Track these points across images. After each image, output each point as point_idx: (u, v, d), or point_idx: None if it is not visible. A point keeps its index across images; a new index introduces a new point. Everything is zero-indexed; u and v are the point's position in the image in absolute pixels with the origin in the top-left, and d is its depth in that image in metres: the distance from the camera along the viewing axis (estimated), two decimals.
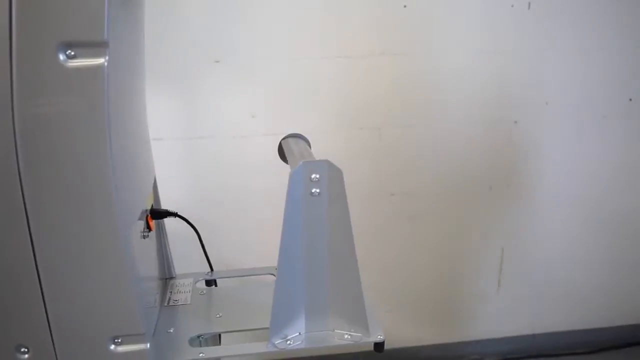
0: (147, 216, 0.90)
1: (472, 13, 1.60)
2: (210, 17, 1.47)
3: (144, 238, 0.87)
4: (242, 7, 1.48)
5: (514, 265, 1.88)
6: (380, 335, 0.89)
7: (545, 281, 1.92)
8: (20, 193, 0.69)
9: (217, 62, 1.51)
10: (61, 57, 0.65)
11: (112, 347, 0.78)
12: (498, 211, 1.82)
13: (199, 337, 0.90)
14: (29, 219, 0.70)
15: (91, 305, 0.76)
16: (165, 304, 0.98)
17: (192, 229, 1.02)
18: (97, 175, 0.69)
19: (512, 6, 1.59)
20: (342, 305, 0.88)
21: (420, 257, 1.82)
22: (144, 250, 0.88)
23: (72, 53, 0.65)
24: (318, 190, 0.80)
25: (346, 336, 0.89)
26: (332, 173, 0.79)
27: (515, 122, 1.72)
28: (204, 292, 1.03)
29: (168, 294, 1.01)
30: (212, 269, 1.08)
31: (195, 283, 1.05)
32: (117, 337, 0.79)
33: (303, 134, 1.00)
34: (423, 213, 1.76)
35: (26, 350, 0.77)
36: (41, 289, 0.74)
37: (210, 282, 1.07)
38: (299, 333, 0.89)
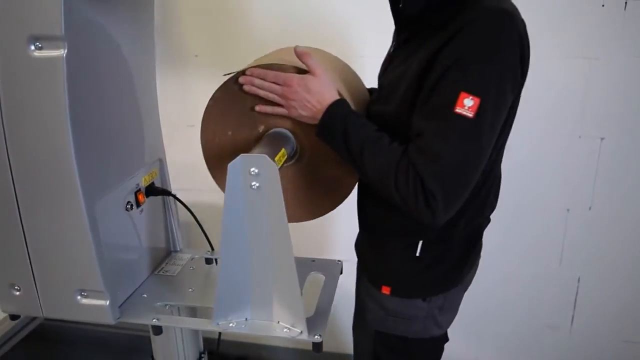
0: (136, 192, 1.01)
1: (553, 14, 1.44)
2: None
3: (128, 210, 0.99)
4: None
5: (590, 297, 1.66)
6: (318, 336, 0.89)
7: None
8: (8, 164, 0.85)
9: None
10: (31, 47, 0.78)
11: (79, 298, 0.92)
12: (575, 236, 1.62)
13: (166, 305, 0.99)
14: (15, 189, 0.87)
15: (61, 260, 0.91)
16: (156, 273, 1.10)
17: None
18: (60, 149, 0.83)
19: (603, 6, 1.40)
20: (283, 299, 0.90)
21: (486, 279, 1.70)
22: (127, 222, 1.00)
23: (40, 45, 0.78)
24: (257, 184, 0.83)
25: (285, 330, 0.91)
26: (268, 168, 0.82)
27: (602, 138, 1.51)
28: (194, 267, 1.12)
29: (163, 265, 1.13)
30: (212, 249, 1.17)
31: (192, 259, 1.15)
32: (84, 291, 0.92)
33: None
34: (492, 233, 1.64)
35: (18, 288, 0.94)
36: (26, 242, 0.90)
37: (210, 261, 1.16)
38: (246, 319, 0.93)
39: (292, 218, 1.06)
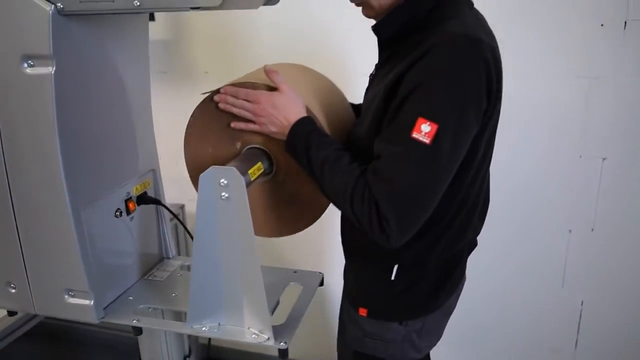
0: (126, 200, 1.08)
1: (553, 33, 1.44)
2: None
3: (117, 217, 1.06)
4: None
5: (594, 320, 1.62)
6: (284, 343, 0.93)
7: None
8: (5, 172, 0.93)
9: None
10: (24, 65, 0.86)
11: (66, 297, 0.99)
12: (578, 258, 1.59)
13: (149, 308, 1.05)
14: (11, 195, 0.95)
15: (51, 261, 0.98)
16: (145, 277, 1.16)
17: None
18: (49, 158, 0.90)
19: (602, 25, 1.39)
20: (252, 306, 0.94)
21: (486, 301, 1.69)
22: (116, 228, 1.06)
23: (32, 63, 0.86)
24: (226, 195, 0.88)
25: (254, 336, 0.95)
26: (236, 180, 0.87)
27: (604, 158, 1.49)
28: (181, 274, 1.18)
29: (153, 270, 1.19)
30: None
31: (181, 266, 1.20)
32: (71, 290, 0.99)
33: None
34: (492, 255, 1.64)
35: (14, 286, 1.02)
36: (20, 243, 0.98)
37: None
38: (219, 324, 0.98)
39: (272, 232, 1.11)
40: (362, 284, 1.08)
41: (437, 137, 0.80)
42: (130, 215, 1.10)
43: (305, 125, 0.94)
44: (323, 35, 1.65)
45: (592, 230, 1.56)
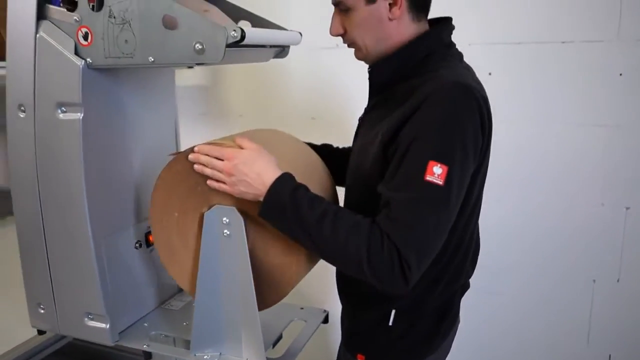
0: (147, 233, 1.17)
1: (572, 82, 1.45)
2: None
3: (137, 248, 1.15)
4: None
5: None
6: None
7: None
8: (39, 204, 1.05)
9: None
10: (59, 112, 0.98)
11: (86, 319, 1.09)
12: (603, 310, 1.54)
13: (162, 334, 1.12)
14: (44, 224, 1.06)
15: (74, 286, 1.07)
16: (162, 306, 1.24)
17: None
18: (75, 193, 1.01)
19: (621, 74, 1.39)
20: (249, 339, 1.00)
21: (511, 355, 1.66)
22: (135, 259, 1.16)
23: (64, 109, 0.98)
24: (228, 232, 0.96)
25: None
26: (237, 219, 0.94)
27: (627, 208, 1.46)
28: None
29: (170, 300, 1.27)
30: None
31: None
32: (90, 314, 1.08)
33: None
34: (512, 310, 1.62)
35: (43, 307, 1.12)
36: (49, 269, 1.09)
37: None
38: (220, 353, 1.04)
39: None
40: (359, 330, 1.08)
41: (448, 178, 0.83)
42: (150, 247, 1.19)
43: (287, 182, 0.90)
44: (354, 82, 1.72)
45: (618, 280, 1.51)
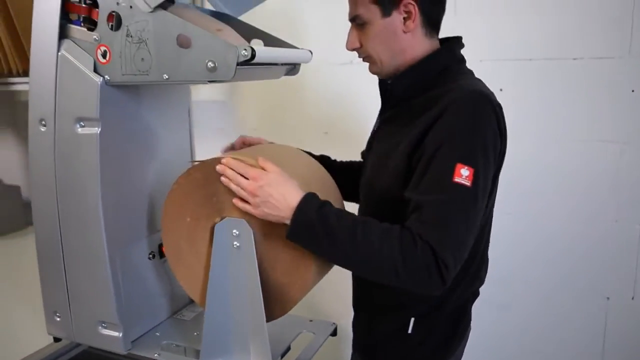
0: (160, 245, 1.20)
1: (584, 98, 1.45)
2: None
3: (150, 259, 1.18)
4: None
5: None
6: None
7: None
8: (57, 214, 1.08)
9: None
10: (78, 126, 1.02)
11: (99, 328, 1.11)
12: (618, 328, 1.52)
13: (173, 344, 1.15)
14: (61, 234, 1.09)
15: (88, 294, 1.11)
16: (174, 316, 1.26)
17: None
18: (91, 204, 1.04)
19: (633, 91, 1.39)
20: (257, 349, 1.01)
21: None
22: (148, 269, 1.19)
23: (83, 124, 1.02)
24: (238, 244, 0.98)
25: None
26: (246, 231, 0.97)
27: None
28: None
29: (183, 310, 1.29)
30: None
31: None
32: (103, 322, 1.11)
33: None
34: (524, 329, 1.61)
35: (59, 315, 1.15)
36: (66, 278, 1.12)
37: None
38: None
39: None
40: (378, 340, 1.10)
41: (475, 179, 0.88)
42: (163, 259, 1.22)
43: (312, 201, 0.92)
44: (366, 98, 1.75)
45: (633, 298, 1.50)
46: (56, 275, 1.12)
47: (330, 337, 1.21)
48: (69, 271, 1.11)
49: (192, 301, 1.33)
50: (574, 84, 1.47)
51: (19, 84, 1.89)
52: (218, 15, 1.19)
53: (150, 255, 1.19)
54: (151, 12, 0.90)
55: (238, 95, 1.92)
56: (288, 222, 0.92)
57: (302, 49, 1.14)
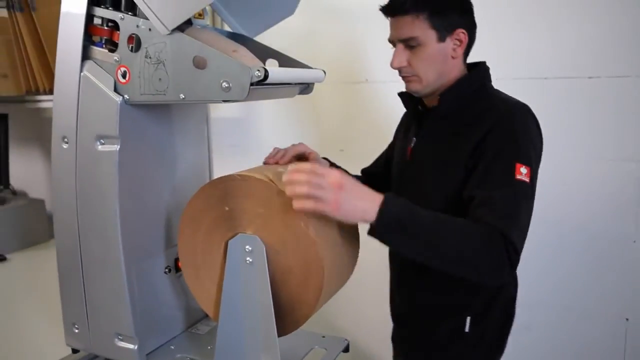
0: (176, 259, 1.23)
1: (597, 116, 1.45)
2: None
3: (166, 273, 1.21)
4: None
5: None
6: None
7: None
8: (77, 229, 1.12)
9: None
10: (98, 143, 1.05)
11: (116, 340, 1.14)
12: (637, 349, 1.49)
13: (187, 358, 1.17)
14: (81, 248, 1.12)
15: (105, 308, 1.13)
16: (189, 330, 1.28)
17: None
18: (110, 218, 1.07)
19: None
20: None
21: None
22: (164, 283, 1.21)
23: (103, 142, 1.05)
24: (250, 260, 1.00)
25: None
26: (259, 247, 0.98)
27: None
28: None
29: (198, 324, 1.31)
30: None
31: None
32: (120, 335, 1.13)
33: None
34: (544, 342, 1.59)
35: (77, 327, 1.18)
36: (84, 290, 1.15)
37: None
38: None
39: None
40: (434, 344, 1.19)
41: (531, 177, 1.01)
42: (179, 273, 1.24)
43: (397, 197, 0.94)
44: (382, 115, 1.77)
45: None
46: (75, 288, 1.15)
47: (343, 353, 1.22)
48: (87, 284, 1.14)
49: (207, 315, 1.35)
50: (590, 103, 1.46)
51: (46, 102, 1.96)
52: (235, 36, 1.22)
53: (167, 270, 1.21)
54: (169, 34, 0.94)
55: (255, 112, 1.96)
56: (372, 216, 0.91)
57: (315, 68, 1.17)
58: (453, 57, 1.11)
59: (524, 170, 0.99)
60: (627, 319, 1.50)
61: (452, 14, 1.09)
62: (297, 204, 0.90)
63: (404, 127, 1.30)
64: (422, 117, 1.21)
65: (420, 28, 1.07)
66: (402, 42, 1.10)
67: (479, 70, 1.15)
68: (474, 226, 0.95)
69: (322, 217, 0.95)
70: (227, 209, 1.03)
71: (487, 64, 1.17)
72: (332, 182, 0.90)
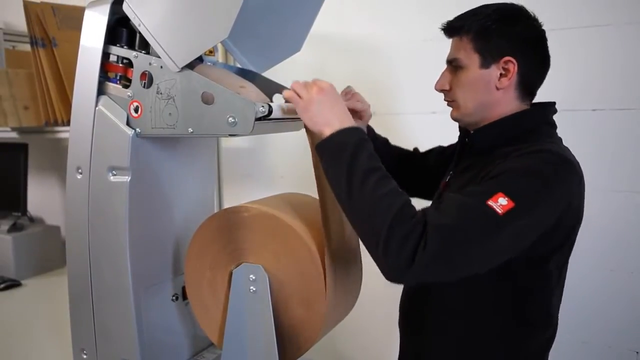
0: (183, 287, 1.25)
1: (602, 149, 1.46)
2: None
3: (173, 301, 1.23)
4: None
5: None
6: None
7: None
8: (88, 257, 1.15)
9: None
10: (110, 174, 1.10)
11: None
12: None
13: None
14: (91, 275, 1.16)
15: (113, 334, 1.16)
16: (194, 357, 1.30)
17: None
18: (119, 247, 1.11)
19: None
20: None
21: None
22: (171, 311, 1.24)
23: (115, 173, 1.10)
24: (254, 289, 1.02)
25: None
26: (262, 276, 1.01)
27: None
28: None
29: (203, 352, 1.33)
30: None
31: None
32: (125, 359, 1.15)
33: None
34: None
35: (86, 353, 1.21)
36: (94, 317, 1.18)
37: None
38: None
39: None
40: None
41: (510, 213, 0.84)
42: (186, 301, 1.27)
43: (360, 130, 0.93)
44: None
45: None
46: (85, 314, 1.18)
47: None
48: (96, 310, 1.17)
49: (212, 343, 1.37)
50: (594, 135, 1.47)
51: (64, 132, 2.03)
52: (244, 72, 1.27)
53: (174, 297, 1.24)
54: (179, 71, 0.99)
55: (267, 142, 2.00)
56: (330, 132, 0.91)
57: None
58: (498, 88, 0.99)
59: (503, 201, 0.84)
60: (637, 352, 1.48)
61: (500, 40, 0.98)
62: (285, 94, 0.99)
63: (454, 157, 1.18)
64: (463, 150, 1.12)
65: (463, 49, 1.00)
66: (448, 63, 1.05)
67: (533, 111, 1.03)
68: (404, 199, 0.85)
69: (326, 246, 0.99)
70: (231, 240, 1.07)
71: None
72: (318, 85, 0.95)
